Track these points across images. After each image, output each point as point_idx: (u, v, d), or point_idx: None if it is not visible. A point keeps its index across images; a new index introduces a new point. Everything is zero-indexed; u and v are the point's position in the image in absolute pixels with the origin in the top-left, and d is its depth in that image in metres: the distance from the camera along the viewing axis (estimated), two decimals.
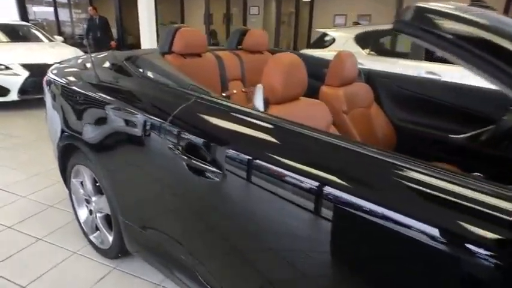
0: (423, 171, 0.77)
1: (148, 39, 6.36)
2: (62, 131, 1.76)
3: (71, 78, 1.75)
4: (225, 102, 1.18)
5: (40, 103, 2.36)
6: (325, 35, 4.84)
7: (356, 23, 9.06)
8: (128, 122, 1.34)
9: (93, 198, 1.81)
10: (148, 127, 1.25)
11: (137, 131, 1.30)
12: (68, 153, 1.81)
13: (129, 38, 10.60)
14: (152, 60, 1.61)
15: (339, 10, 10.66)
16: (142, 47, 6.21)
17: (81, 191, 1.88)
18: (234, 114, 1.10)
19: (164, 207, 1.32)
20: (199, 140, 1.08)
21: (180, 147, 1.12)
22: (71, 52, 5.28)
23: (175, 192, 1.24)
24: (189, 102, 1.20)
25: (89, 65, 1.73)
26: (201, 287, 1.21)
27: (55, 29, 11.50)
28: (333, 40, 4.56)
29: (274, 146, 0.98)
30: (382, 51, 4.61)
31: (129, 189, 1.48)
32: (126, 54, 1.65)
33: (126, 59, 1.59)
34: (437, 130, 1.82)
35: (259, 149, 0.98)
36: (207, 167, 1.04)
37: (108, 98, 1.45)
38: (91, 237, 1.91)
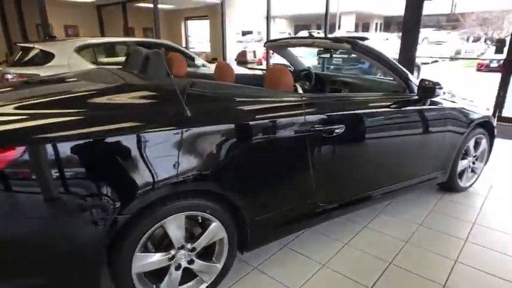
0: None
1: None
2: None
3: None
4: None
5: None
6: (30, 49, 4.21)
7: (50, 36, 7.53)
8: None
9: (189, 245, 1.61)
10: None
11: None
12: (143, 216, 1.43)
13: None
14: None
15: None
16: None
17: (158, 256, 1.55)
18: None
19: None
20: None
21: None
22: None
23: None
24: None
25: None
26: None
27: None
28: (51, 55, 4.10)
29: None
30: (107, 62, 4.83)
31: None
32: None
33: None
34: None
35: None
36: None
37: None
38: (189, 284, 1.69)
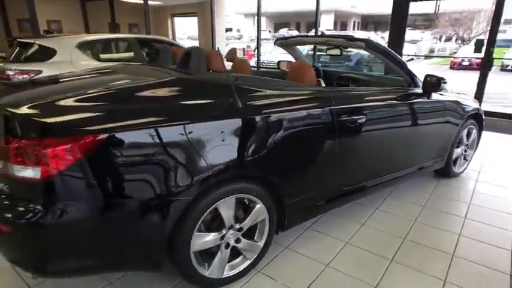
0: None
1: None
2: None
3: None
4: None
5: None
6: (30, 44, 4.18)
7: (47, 31, 7.51)
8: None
9: (237, 225, 1.78)
10: None
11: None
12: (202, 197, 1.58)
13: None
14: None
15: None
16: None
17: (212, 235, 1.71)
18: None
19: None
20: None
21: None
22: None
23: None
24: None
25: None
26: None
27: None
28: (53, 51, 4.11)
29: None
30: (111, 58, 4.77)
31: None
32: None
33: None
34: None
35: None
36: None
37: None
38: (236, 260, 1.87)
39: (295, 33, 31.07)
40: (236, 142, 1.64)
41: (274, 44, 3.36)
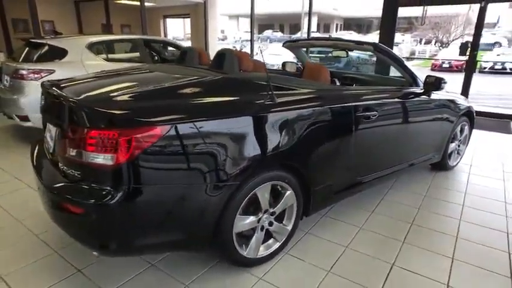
0: None
1: None
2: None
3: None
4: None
5: None
6: (40, 45, 4.21)
7: (56, 32, 7.35)
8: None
9: (271, 209, 1.96)
10: None
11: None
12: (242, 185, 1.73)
13: None
14: None
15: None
16: None
17: (251, 218, 1.88)
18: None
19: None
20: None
21: None
22: None
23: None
24: None
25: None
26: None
27: None
28: (64, 51, 4.19)
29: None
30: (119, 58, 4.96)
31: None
32: None
33: None
34: None
35: None
36: None
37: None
38: (269, 242, 2.04)
39: (279, 34, 31.49)
40: (274, 134, 1.82)
41: (283, 46, 3.55)
